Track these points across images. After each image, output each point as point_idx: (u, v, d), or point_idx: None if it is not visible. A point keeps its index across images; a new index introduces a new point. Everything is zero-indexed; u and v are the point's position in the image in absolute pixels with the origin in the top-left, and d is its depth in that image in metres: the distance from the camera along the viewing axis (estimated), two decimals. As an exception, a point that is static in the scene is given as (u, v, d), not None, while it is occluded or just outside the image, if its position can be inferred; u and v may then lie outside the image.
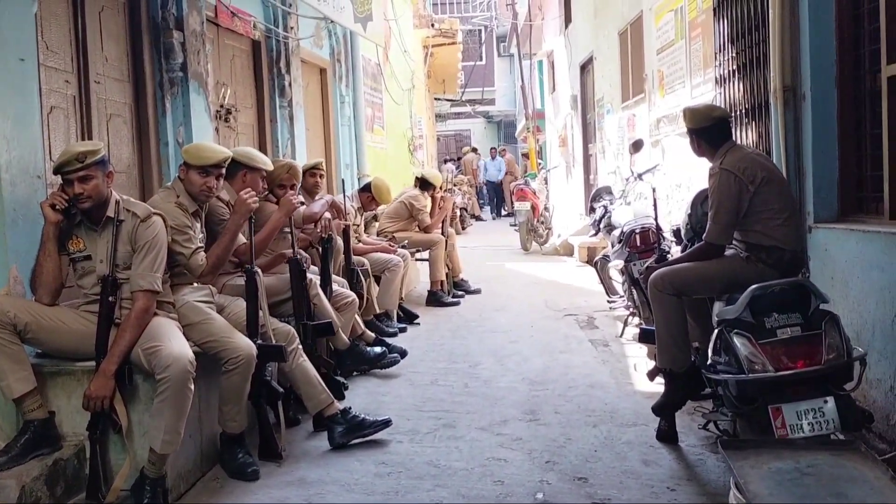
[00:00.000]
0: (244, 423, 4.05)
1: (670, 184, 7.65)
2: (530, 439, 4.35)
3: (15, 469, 3.37)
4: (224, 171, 4.29)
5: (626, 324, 6.69)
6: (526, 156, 21.68)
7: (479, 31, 30.99)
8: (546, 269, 11.34)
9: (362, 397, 5.20)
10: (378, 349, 5.79)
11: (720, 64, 5.95)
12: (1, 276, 3.72)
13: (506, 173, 23.35)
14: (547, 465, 3.99)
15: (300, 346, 4.46)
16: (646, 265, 4.91)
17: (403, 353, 5.99)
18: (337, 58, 9.59)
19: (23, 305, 3.63)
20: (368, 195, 7.58)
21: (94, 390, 3.47)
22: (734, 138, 4.58)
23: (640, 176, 7.14)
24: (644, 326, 5.01)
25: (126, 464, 3.59)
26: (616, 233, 6.64)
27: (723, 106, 5.69)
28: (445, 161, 27.06)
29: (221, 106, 6.40)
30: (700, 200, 4.45)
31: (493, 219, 23.45)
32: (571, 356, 6.18)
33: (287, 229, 4.93)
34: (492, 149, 25.81)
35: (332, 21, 8.56)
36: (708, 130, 4.17)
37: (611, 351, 6.29)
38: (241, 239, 4.46)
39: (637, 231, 6.24)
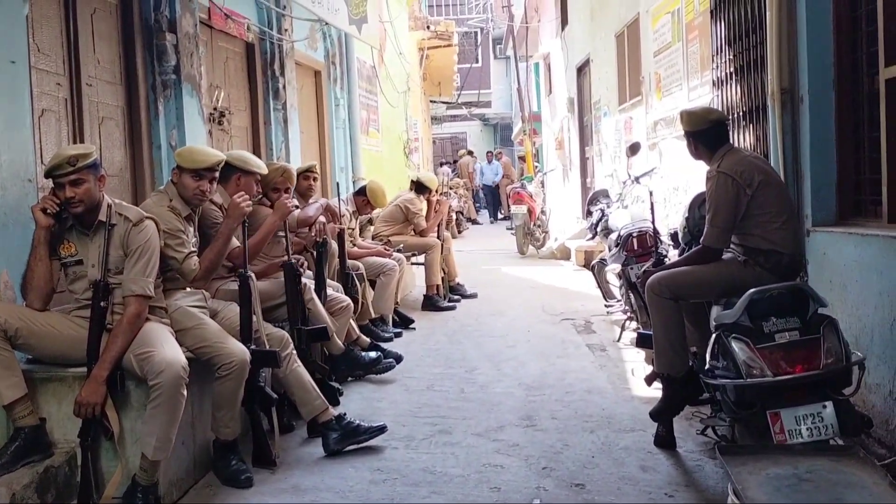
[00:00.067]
0: (238, 430, 4.01)
1: (668, 187, 7.64)
2: (527, 445, 4.32)
3: (5, 477, 3.34)
4: (218, 174, 4.26)
5: (623, 328, 6.67)
6: (522, 159, 21.69)
7: (475, 33, 31.01)
8: (543, 273, 11.31)
9: (357, 403, 5.17)
10: (373, 354, 5.74)
11: (717, 66, 5.94)
12: (-9, 282, 3.68)
13: (502, 176, 23.33)
14: (544, 471, 3.96)
15: (294, 352, 4.43)
16: (643, 269, 4.92)
17: (399, 359, 5.96)
18: (332, 60, 9.58)
19: (13, 311, 3.61)
20: (363, 199, 7.54)
21: (86, 396, 3.44)
22: (732, 141, 4.56)
23: (637, 179, 7.13)
24: (641, 331, 5.00)
25: (118, 471, 3.56)
26: (613, 236, 6.63)
27: (720, 108, 5.69)
28: (441, 164, 27.02)
29: (215, 109, 6.38)
30: (697, 204, 4.44)
31: (491, 222, 23.41)
32: (568, 361, 6.15)
33: (281, 233, 4.90)
34: (488, 152, 25.76)
35: (326, 23, 8.55)
36: (705, 133, 4.16)
37: (608, 356, 6.26)
38: (235, 243, 4.43)
39: (634, 235, 6.23)
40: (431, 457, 4.20)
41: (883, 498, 2.59)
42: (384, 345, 6.27)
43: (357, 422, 4.35)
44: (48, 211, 3.58)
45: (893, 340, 3.79)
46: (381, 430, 4.35)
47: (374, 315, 6.96)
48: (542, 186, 15.75)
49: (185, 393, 3.50)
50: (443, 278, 8.92)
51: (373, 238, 8.34)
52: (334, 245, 6.14)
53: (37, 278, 3.63)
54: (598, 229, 7.29)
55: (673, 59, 7.62)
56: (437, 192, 9.23)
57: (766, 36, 4.87)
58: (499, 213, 23.48)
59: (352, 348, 5.65)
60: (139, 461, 3.50)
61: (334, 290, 5.70)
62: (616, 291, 7.17)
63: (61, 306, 3.84)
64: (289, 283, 4.75)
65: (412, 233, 8.66)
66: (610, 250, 6.73)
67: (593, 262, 7.77)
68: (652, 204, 5.26)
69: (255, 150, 7.14)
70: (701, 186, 4.25)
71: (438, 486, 3.83)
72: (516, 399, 5.18)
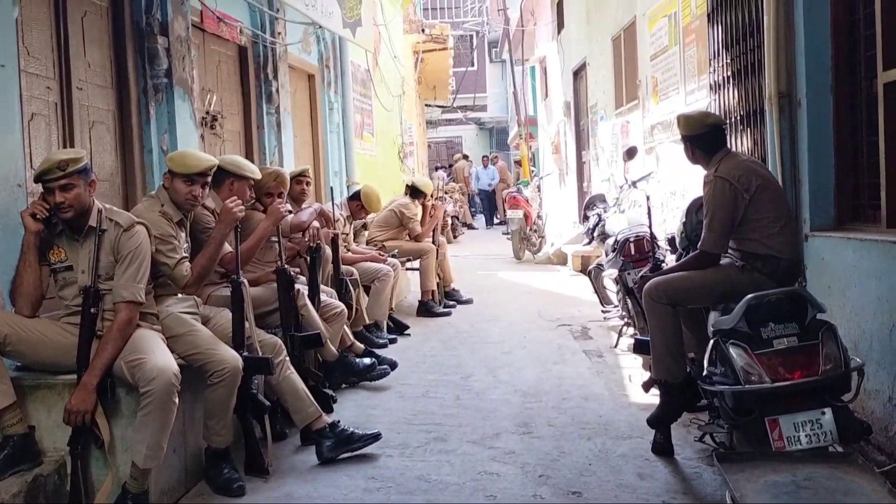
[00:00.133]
0: (230, 438, 3.98)
1: (665, 192, 7.64)
2: (523, 453, 4.29)
3: (-7, 486, 3.29)
4: (210, 179, 4.24)
5: (620, 334, 6.64)
6: (518, 163, 21.69)
7: (471, 36, 31.00)
8: (539, 279, 11.30)
9: (351, 410, 5.13)
10: (367, 361, 5.71)
11: (714, 70, 5.93)
12: (-21, 288, 3.66)
13: (499, 181, 23.32)
14: (540, 478, 3.94)
15: (287, 358, 4.40)
16: (640, 274, 4.91)
17: (393, 365, 5.91)
18: (325, 63, 9.55)
19: (2, 317, 3.60)
20: (357, 203, 7.51)
21: (76, 404, 3.41)
22: (729, 145, 4.55)
23: (634, 184, 7.13)
24: (639, 337, 5.00)
25: (108, 480, 3.54)
26: (610, 241, 6.62)
27: (717, 113, 5.69)
28: (436, 168, 27.03)
29: (207, 112, 6.35)
30: (695, 209, 4.43)
31: (487, 227, 23.41)
32: (565, 367, 6.12)
33: (274, 238, 4.87)
34: (483, 157, 25.75)
35: (320, 26, 8.52)
36: (702, 138, 4.16)
37: (605, 362, 6.24)
38: (227, 248, 4.40)
39: (631, 240, 6.23)
40: (427, 465, 4.17)
41: (882, 504, 2.59)
42: (379, 351, 6.23)
43: (351, 429, 4.32)
44: (38, 216, 3.56)
45: (892, 346, 3.77)
46: (376, 437, 4.32)
47: (368, 321, 6.92)
48: (539, 191, 15.74)
49: (176, 400, 3.48)
50: (438, 284, 8.88)
51: (367, 243, 8.32)
52: (328, 250, 6.10)
53: (26, 284, 3.61)
54: (595, 234, 7.28)
55: (670, 63, 7.61)
56: (432, 196, 9.23)
57: (763, 39, 4.86)
58: (495, 218, 23.46)
59: (346, 355, 5.61)
60: (129, 469, 3.46)
61: (328, 295, 5.67)
62: (613, 297, 7.16)
63: (51, 313, 3.81)
64: (282, 289, 4.73)
65: (407, 238, 8.63)
66: (607, 255, 6.71)
67: (590, 267, 7.75)
68: (649, 208, 5.25)
69: (248, 155, 7.09)
70: (698, 191, 4.24)
71: (434, 494, 3.80)
72: (512, 406, 5.15)
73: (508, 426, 4.74)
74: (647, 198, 5.43)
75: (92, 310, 3.55)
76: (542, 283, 10.81)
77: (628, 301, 6.20)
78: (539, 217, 14.09)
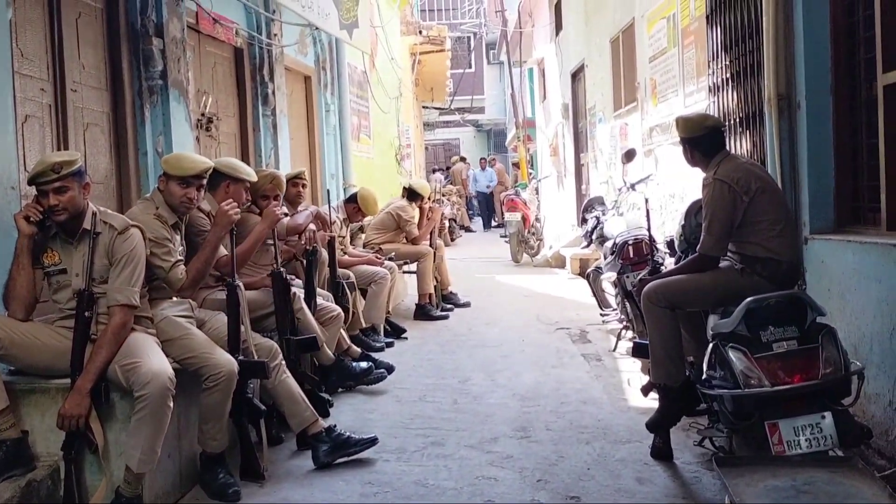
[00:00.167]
0: (225, 442, 3.96)
1: (663, 194, 7.62)
2: (521, 457, 4.28)
3: (-15, 491, 3.28)
4: (205, 182, 4.23)
5: (619, 338, 6.62)
6: (516, 165, 21.68)
7: (468, 38, 30.99)
8: (537, 282, 11.28)
9: (348, 415, 5.11)
10: (364, 365, 5.68)
11: (713, 72, 5.92)
12: (-28, 291, 3.64)
13: (496, 183, 23.31)
14: (538, 483, 3.92)
15: (283, 362, 4.39)
16: (639, 277, 4.92)
17: (390, 369, 5.89)
18: (322, 65, 9.53)
19: (-5, 321, 3.57)
20: (354, 206, 7.50)
21: (69, 409, 3.40)
22: (728, 148, 4.54)
23: (632, 186, 7.11)
24: (638, 340, 4.97)
25: (102, 485, 3.52)
26: (608, 244, 6.61)
27: (716, 115, 5.67)
28: (434, 171, 27.06)
29: (202, 115, 6.33)
30: (694, 211, 4.43)
31: (485, 230, 23.40)
32: (563, 371, 6.10)
33: (270, 241, 4.85)
34: (481, 159, 25.73)
35: (316, 28, 8.50)
36: (701, 140, 4.16)
37: (604, 366, 6.22)
38: (223, 252, 4.38)
39: (630, 242, 6.22)
40: (424, 469, 4.15)
41: (882, 510, 2.59)
42: (375, 355, 6.19)
43: (347, 434, 4.30)
44: (31, 219, 3.54)
45: (893, 349, 3.75)
46: (373, 442, 4.30)
47: (364, 324, 6.88)
48: (537, 193, 15.73)
49: (171, 405, 3.47)
50: (435, 287, 8.87)
51: (364, 246, 8.29)
52: (324, 253, 6.09)
53: (19, 288, 3.60)
54: (594, 237, 7.27)
55: (668, 65, 7.60)
56: (429, 199, 9.21)
57: (762, 41, 4.84)
58: (492, 221, 23.46)
59: (342, 358, 5.59)
60: (123, 474, 3.44)
61: (324, 299, 5.66)
62: (612, 300, 7.15)
63: (45, 316, 3.79)
64: (278, 293, 4.71)
65: (404, 241, 8.60)
66: (605, 258, 6.70)
67: (588, 270, 7.74)
68: (648, 211, 5.25)
69: (244, 157, 7.08)
70: (697, 194, 4.23)
71: (431, 499, 3.79)
72: (510, 410, 5.13)
73: (506, 430, 4.72)
74: (646, 200, 5.44)
75: (86, 313, 3.54)
76: (541, 287, 10.79)
77: (627, 304, 6.19)
78: (537, 220, 14.08)
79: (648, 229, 5.38)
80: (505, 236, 15.17)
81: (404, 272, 8.79)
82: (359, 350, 5.97)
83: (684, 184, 6.74)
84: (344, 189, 9.82)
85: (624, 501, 3.68)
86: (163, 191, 4.11)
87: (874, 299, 3.90)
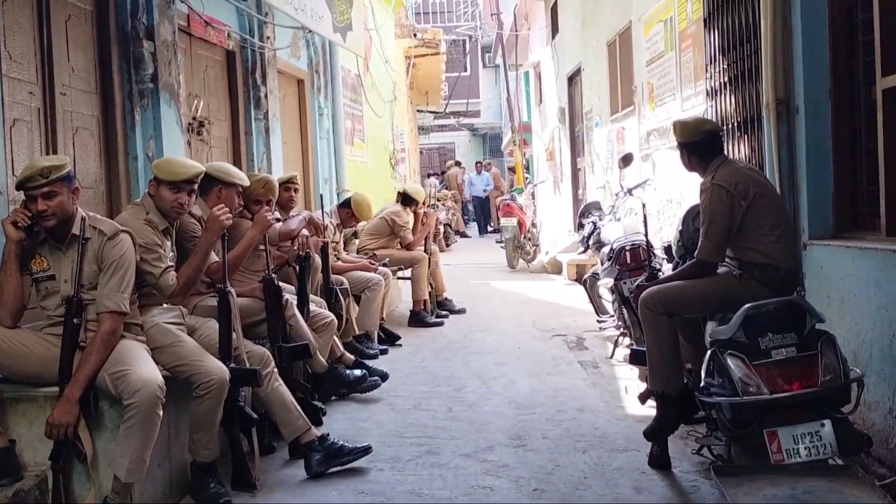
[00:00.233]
0: (216, 451, 3.91)
1: (661, 199, 7.61)
2: (517, 466, 4.25)
3: (-28, 502, 3.26)
4: (197, 186, 4.20)
5: (616, 344, 6.60)
6: (512, 170, 21.73)
7: (464, 41, 31.05)
8: (533, 288, 11.27)
9: (341, 423, 5.08)
10: (358, 372, 5.65)
11: (711, 76, 5.91)
12: (-41, 298, 3.60)
13: (492, 188, 23.32)
14: (535, 492, 3.89)
15: (275, 370, 4.36)
16: (636, 283, 4.90)
17: (384, 377, 5.85)
18: (315, 68, 9.50)
19: (-19, 329, 3.54)
20: (348, 211, 7.47)
21: (58, 417, 3.37)
22: (726, 152, 4.52)
23: (629, 191, 7.11)
24: (635, 347, 5.00)
25: (91, 495, 3.50)
26: (605, 250, 6.59)
27: (714, 119, 5.67)
28: (429, 175, 27.02)
29: (194, 118, 6.30)
30: (691, 216, 4.41)
31: (480, 235, 23.41)
32: (560, 378, 6.08)
33: (262, 247, 4.82)
34: (477, 163, 25.77)
35: (310, 31, 8.48)
36: (699, 144, 4.15)
37: (601, 373, 6.19)
38: (214, 257, 4.35)
39: (627, 248, 6.20)
40: (418, 479, 4.12)
41: (882, 519, 2.58)
42: (369, 362, 6.18)
43: (341, 442, 4.27)
44: (19, 224, 3.51)
45: (893, 356, 3.74)
46: (366, 451, 4.27)
47: (358, 331, 6.86)
48: (533, 198, 15.73)
49: (160, 413, 3.44)
50: (430, 293, 8.83)
51: (358, 252, 8.28)
52: (317, 259, 6.06)
53: (7, 294, 3.57)
54: (590, 242, 7.24)
55: (666, 69, 7.58)
56: (424, 204, 9.17)
57: (760, 45, 4.84)
58: (488, 226, 23.46)
59: (336, 366, 5.55)
60: (112, 483, 3.41)
61: (317, 305, 5.62)
62: (609, 306, 7.13)
63: (32, 323, 3.76)
64: (270, 299, 4.67)
65: (398, 246, 8.58)
66: (602, 264, 6.68)
67: (585, 276, 7.72)
68: (645, 216, 5.23)
69: (236, 161, 7.04)
70: (695, 199, 4.21)
71: (425, 509, 3.75)
72: (506, 418, 5.10)
73: (502, 439, 4.69)
74: (643, 205, 5.42)
75: (75, 320, 3.52)
76: (537, 293, 10.78)
77: (624, 311, 6.16)
78: (533, 225, 14.09)
79: (646, 235, 5.35)
80: (501, 242, 15.15)
81: (398, 278, 8.78)
82: (352, 357, 5.94)
83: (682, 189, 6.73)
84: (337, 194, 9.79)
85: (621, 511, 3.65)
86: (153, 196, 4.07)
87: (874, 305, 3.89)
